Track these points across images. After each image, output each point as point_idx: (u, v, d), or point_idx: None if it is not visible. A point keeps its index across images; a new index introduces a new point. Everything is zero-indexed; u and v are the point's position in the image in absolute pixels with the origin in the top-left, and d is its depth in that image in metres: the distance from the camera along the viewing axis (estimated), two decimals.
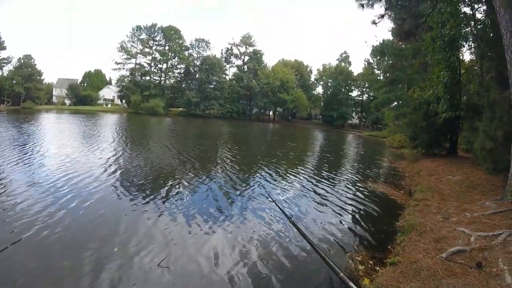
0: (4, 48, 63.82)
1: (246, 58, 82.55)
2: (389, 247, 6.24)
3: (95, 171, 10.76)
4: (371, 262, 5.53)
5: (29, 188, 8.28)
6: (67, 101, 77.41)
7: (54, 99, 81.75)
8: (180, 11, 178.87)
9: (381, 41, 46.65)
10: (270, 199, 8.92)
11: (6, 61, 66.00)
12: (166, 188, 9.54)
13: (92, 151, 15.15)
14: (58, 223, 6.22)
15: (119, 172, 11.11)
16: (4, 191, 7.88)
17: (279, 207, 8.07)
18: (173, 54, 79.20)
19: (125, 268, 4.84)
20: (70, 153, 13.83)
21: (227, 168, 13.61)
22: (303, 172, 14.24)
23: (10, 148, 13.92)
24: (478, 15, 14.71)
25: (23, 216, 6.34)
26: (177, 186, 9.88)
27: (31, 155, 12.83)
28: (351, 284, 4.31)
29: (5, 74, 67.19)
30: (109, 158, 13.49)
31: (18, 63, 68.56)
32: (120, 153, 15.36)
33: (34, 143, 15.89)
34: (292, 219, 6.96)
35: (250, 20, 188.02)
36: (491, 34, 12.50)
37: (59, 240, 5.52)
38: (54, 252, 5.14)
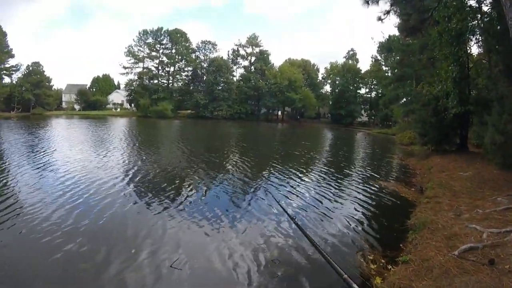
0: (12, 56, 64.89)
1: (253, 58, 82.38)
2: (401, 245, 6.24)
3: (117, 176, 11.13)
4: (383, 260, 5.55)
5: (55, 194, 8.62)
6: (77, 107, 78.32)
7: (64, 105, 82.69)
8: (185, 13, 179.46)
9: (388, 37, 46.27)
10: (276, 201, 8.90)
11: (15, 68, 67.13)
12: (181, 191, 9.79)
13: (111, 155, 15.60)
14: (82, 227, 6.53)
15: (138, 176, 11.47)
16: (38, 198, 8.18)
17: (284, 210, 7.99)
18: (180, 57, 79.70)
19: (139, 268, 5.00)
20: (92, 159, 14.34)
21: (241, 169, 13.82)
22: (316, 170, 14.56)
23: (32, 155, 14.37)
24: (485, 8, 14.48)
25: (50, 222, 6.62)
26: (191, 189, 10.11)
27: (51, 161, 13.25)
28: (355, 286, 4.31)
29: (14, 82, 68.46)
30: (129, 162, 14.08)
31: (27, 70, 69.64)
32: (138, 156, 15.96)
33: (55, 149, 16.36)
34: (295, 220, 6.90)
35: (255, 20, 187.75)
36: (498, 27, 12.31)
37: (81, 242, 5.80)
38: (74, 253, 5.36)
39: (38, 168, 11.79)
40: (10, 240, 5.72)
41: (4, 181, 9.83)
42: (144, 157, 15.62)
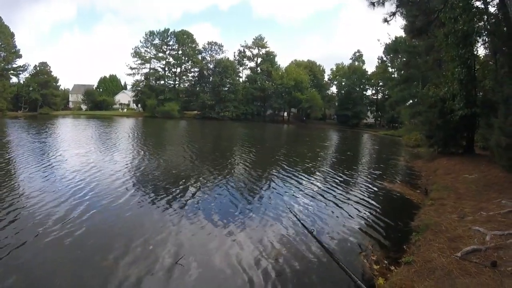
0: (20, 56, 65.16)
1: (259, 60, 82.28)
2: (404, 246, 6.29)
3: (128, 176, 11.38)
4: (386, 261, 5.60)
5: (68, 194, 8.78)
6: (83, 107, 79.05)
7: (71, 105, 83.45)
8: (194, 16, 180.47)
9: (394, 39, 46.06)
10: (289, 210, 8.47)
11: (22, 68, 67.50)
12: (190, 191, 9.85)
13: (126, 156, 15.91)
14: (95, 225, 6.74)
15: (149, 176, 11.69)
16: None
17: (301, 222, 7.45)
18: (186, 58, 79.86)
19: (146, 265, 5.13)
20: (108, 160, 14.58)
21: (248, 170, 13.96)
22: (322, 171, 14.88)
23: (46, 157, 14.46)
24: (491, 9, 14.32)
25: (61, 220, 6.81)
26: (199, 189, 10.16)
27: (63, 161, 13.52)
28: None
29: (21, 81, 69.11)
30: (142, 162, 14.38)
31: (34, 71, 70.21)
32: (150, 156, 16.12)
33: (69, 151, 16.51)
34: (314, 233, 6.66)
35: (263, 22, 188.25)
36: (504, 28, 12.22)
37: (95, 240, 5.99)
38: (88, 251, 5.51)
39: (65, 168, 12.18)
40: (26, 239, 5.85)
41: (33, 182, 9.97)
42: (156, 158, 15.80)
